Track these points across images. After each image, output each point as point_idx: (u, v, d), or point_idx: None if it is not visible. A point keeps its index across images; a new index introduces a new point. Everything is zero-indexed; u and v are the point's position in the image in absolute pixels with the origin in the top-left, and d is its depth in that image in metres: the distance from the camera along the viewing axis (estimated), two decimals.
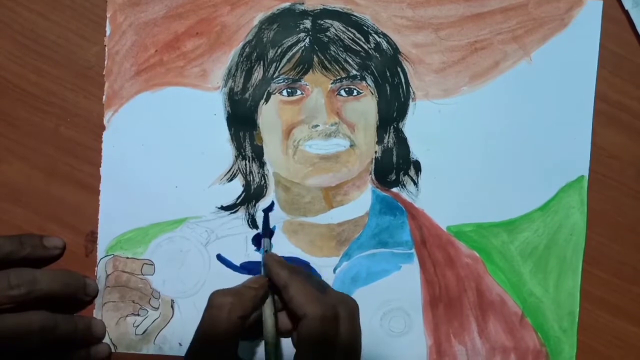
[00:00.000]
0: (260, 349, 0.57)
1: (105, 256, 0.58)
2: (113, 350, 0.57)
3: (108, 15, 0.58)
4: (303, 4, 0.57)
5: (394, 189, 0.58)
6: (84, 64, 0.59)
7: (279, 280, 0.50)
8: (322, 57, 0.57)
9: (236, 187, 0.58)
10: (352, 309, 0.49)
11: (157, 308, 0.58)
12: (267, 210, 0.58)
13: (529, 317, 0.57)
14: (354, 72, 0.57)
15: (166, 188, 0.58)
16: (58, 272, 0.54)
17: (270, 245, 0.57)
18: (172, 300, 0.58)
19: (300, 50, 0.57)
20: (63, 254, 0.56)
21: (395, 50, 0.57)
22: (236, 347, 0.47)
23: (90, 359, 0.56)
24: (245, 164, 0.58)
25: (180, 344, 0.58)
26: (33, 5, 0.58)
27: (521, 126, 0.57)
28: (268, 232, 0.58)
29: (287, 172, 0.58)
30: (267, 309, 0.50)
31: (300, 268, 0.52)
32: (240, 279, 0.57)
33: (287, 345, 0.53)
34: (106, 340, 0.57)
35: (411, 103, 0.57)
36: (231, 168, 0.58)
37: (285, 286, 0.49)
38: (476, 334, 0.57)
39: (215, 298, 0.48)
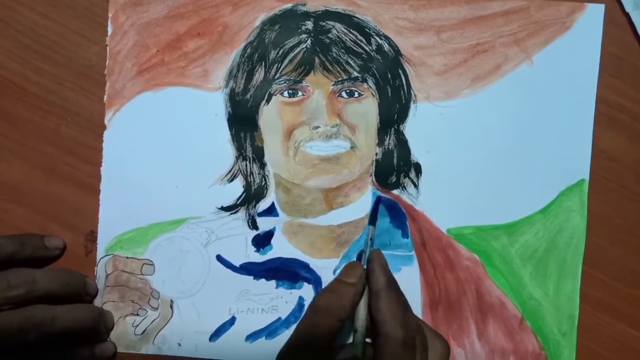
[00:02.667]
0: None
1: (105, 256, 0.58)
2: None
3: (110, 15, 0.58)
4: (305, 5, 0.57)
5: (395, 191, 0.58)
6: (84, 64, 0.58)
7: (375, 284, 0.51)
8: (324, 59, 0.57)
9: (236, 188, 0.58)
10: (424, 343, 0.50)
11: (157, 308, 0.58)
12: (379, 202, 0.58)
13: (529, 320, 0.57)
14: (356, 73, 0.57)
15: (166, 188, 0.58)
16: (58, 272, 0.54)
17: (374, 233, 0.56)
18: (172, 301, 0.58)
19: (302, 52, 0.57)
20: (63, 254, 0.56)
21: (397, 52, 0.57)
22: (333, 347, 0.50)
23: (96, 357, 0.56)
24: (246, 165, 0.58)
25: (179, 344, 0.58)
26: (34, 4, 0.58)
27: (522, 129, 0.57)
28: (374, 219, 0.57)
29: (287, 173, 0.58)
30: (363, 299, 0.52)
31: (394, 280, 0.53)
32: (240, 280, 0.58)
33: None
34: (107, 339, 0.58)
35: (412, 105, 0.57)
36: (232, 169, 0.58)
37: (378, 294, 0.50)
38: (475, 336, 0.57)
39: (318, 302, 0.50)
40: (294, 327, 0.58)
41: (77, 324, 0.53)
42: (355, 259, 0.57)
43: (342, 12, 0.57)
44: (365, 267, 0.53)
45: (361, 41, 0.57)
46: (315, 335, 0.49)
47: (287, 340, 0.51)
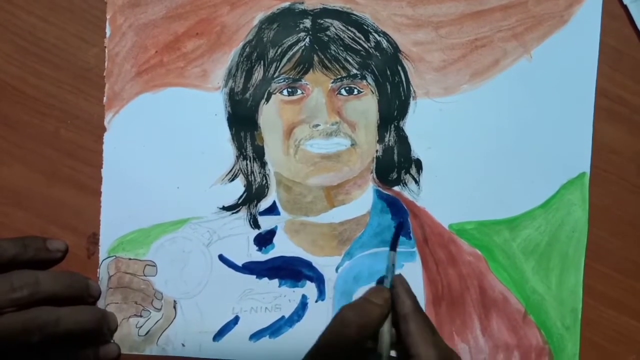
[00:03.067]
0: None
1: (108, 258, 0.58)
2: None
3: (108, 17, 0.58)
4: (303, 3, 0.57)
5: (396, 188, 0.58)
6: (83, 66, 0.58)
7: (402, 309, 0.51)
8: (323, 57, 0.57)
9: (237, 188, 0.58)
10: None
11: (160, 309, 0.58)
12: (400, 227, 0.58)
13: (532, 315, 0.57)
14: (355, 71, 0.57)
15: (167, 189, 0.58)
16: (60, 274, 0.54)
17: (396, 259, 0.57)
18: (175, 301, 0.58)
19: (301, 50, 0.57)
20: (65, 256, 0.56)
21: (396, 48, 0.57)
22: None
23: (100, 359, 0.56)
24: (247, 164, 0.58)
25: (183, 345, 0.58)
26: (32, 8, 0.58)
27: (522, 123, 0.57)
28: (395, 245, 0.57)
29: (288, 171, 0.58)
30: (386, 324, 0.52)
31: (419, 304, 0.53)
32: (243, 279, 0.58)
33: None
34: (110, 340, 0.57)
35: (412, 101, 0.57)
36: (232, 168, 0.58)
37: (406, 318, 0.51)
38: (479, 331, 0.57)
39: (345, 314, 0.50)
40: (297, 325, 0.58)
41: (80, 325, 0.53)
42: (357, 256, 0.58)
43: (340, 9, 0.57)
44: (389, 291, 0.54)
45: (360, 38, 0.57)
46: (341, 346, 0.49)
47: (310, 349, 0.51)
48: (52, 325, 0.51)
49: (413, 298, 0.53)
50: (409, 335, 0.50)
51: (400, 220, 0.58)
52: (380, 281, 0.57)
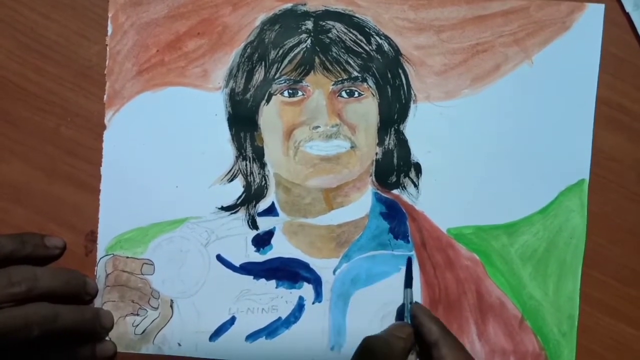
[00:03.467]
0: None
1: (105, 256, 0.58)
2: None
3: (110, 15, 0.58)
4: (305, 5, 0.57)
5: (395, 191, 0.58)
6: (84, 64, 0.58)
7: (430, 336, 0.51)
8: (324, 59, 0.57)
9: (237, 188, 0.58)
10: None
11: (157, 308, 0.58)
12: (410, 263, 0.57)
13: (529, 320, 0.57)
14: (356, 73, 0.57)
15: (166, 188, 0.58)
16: (58, 270, 0.54)
17: (412, 295, 0.56)
18: (172, 300, 0.58)
19: (302, 52, 0.57)
20: (63, 253, 0.56)
21: (397, 52, 0.57)
22: None
23: (96, 357, 0.56)
24: (246, 165, 0.58)
25: (179, 344, 0.58)
26: (34, 4, 0.58)
27: (522, 129, 0.57)
28: (410, 282, 0.57)
29: (287, 173, 0.58)
30: (411, 356, 0.52)
31: (444, 325, 0.53)
32: (240, 280, 0.58)
33: None
34: (107, 338, 0.57)
35: (412, 105, 0.57)
36: (232, 168, 0.58)
37: (437, 343, 0.51)
38: (475, 336, 0.57)
39: (369, 345, 0.50)
40: (294, 327, 0.58)
41: (78, 323, 0.53)
42: (355, 259, 0.58)
43: (342, 11, 0.57)
44: (412, 326, 0.54)
45: (361, 41, 0.57)
46: None
47: None
48: (51, 321, 0.51)
49: (438, 323, 0.53)
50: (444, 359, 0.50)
51: (410, 257, 0.57)
52: (400, 313, 0.57)
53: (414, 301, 0.56)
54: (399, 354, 0.51)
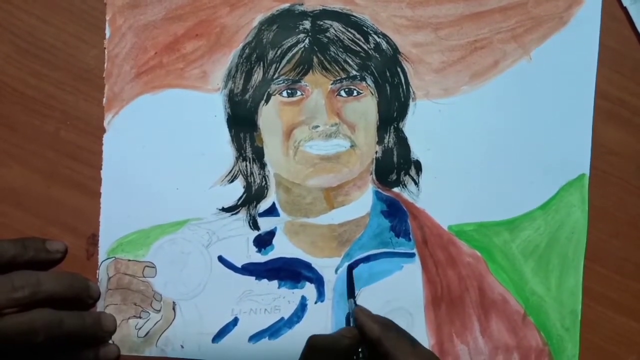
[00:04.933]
0: None
1: (107, 259, 0.58)
2: None
3: (107, 18, 0.58)
4: (302, 4, 0.57)
5: (395, 189, 0.58)
6: (83, 67, 0.58)
7: (372, 334, 0.52)
8: (322, 58, 0.57)
9: (237, 189, 0.58)
10: None
11: (159, 310, 0.58)
12: (351, 267, 0.58)
13: (532, 316, 0.57)
14: (354, 72, 0.57)
15: (167, 190, 0.58)
16: (61, 275, 0.54)
17: (355, 304, 0.57)
18: (174, 303, 0.58)
19: (300, 51, 0.57)
20: (65, 257, 0.56)
21: (395, 50, 0.57)
22: None
23: None
24: (246, 165, 0.58)
25: (182, 346, 0.58)
26: (31, 8, 0.58)
27: (521, 125, 0.57)
28: (352, 292, 0.57)
29: (288, 173, 0.58)
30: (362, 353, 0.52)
31: (390, 321, 0.54)
32: (242, 280, 0.58)
33: None
34: (110, 341, 0.57)
35: (411, 103, 0.58)
36: (232, 169, 0.58)
37: (379, 340, 0.51)
38: (478, 333, 0.57)
39: (314, 342, 0.51)
40: (296, 327, 0.58)
41: (81, 328, 0.53)
42: (356, 259, 0.58)
43: (340, 11, 0.57)
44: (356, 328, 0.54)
45: (359, 40, 0.57)
46: None
47: None
48: (56, 326, 0.51)
49: (379, 321, 0.53)
50: (387, 356, 0.50)
51: (350, 266, 0.58)
52: (348, 322, 0.57)
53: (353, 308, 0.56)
54: (344, 350, 0.51)
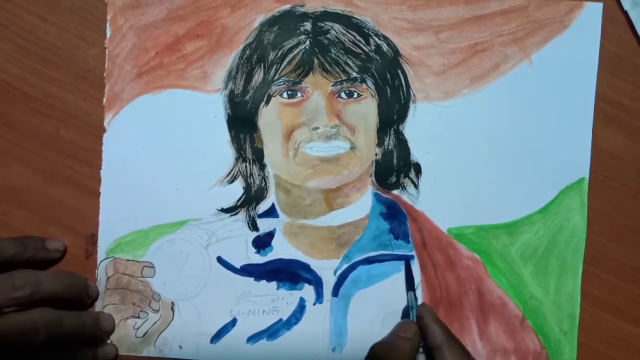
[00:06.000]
0: None
1: (106, 259, 0.58)
2: None
3: (108, 18, 0.58)
4: (303, 6, 0.57)
5: (395, 192, 0.58)
6: (83, 66, 0.58)
7: (434, 339, 0.52)
8: (323, 60, 0.57)
9: (237, 189, 0.58)
10: None
11: (158, 310, 0.58)
12: (409, 266, 0.57)
13: (530, 320, 0.57)
14: (355, 74, 0.57)
15: (167, 190, 0.58)
16: (61, 274, 0.54)
17: (415, 298, 0.56)
18: (173, 303, 0.58)
19: (301, 53, 0.57)
20: (64, 256, 0.56)
21: (396, 52, 0.57)
22: None
23: None
24: (246, 166, 0.58)
25: (180, 347, 0.58)
26: (32, 7, 0.58)
27: (522, 128, 0.57)
28: (412, 285, 0.57)
29: (287, 174, 0.58)
30: (421, 357, 0.52)
31: (448, 329, 0.53)
32: (241, 281, 0.58)
33: None
34: (108, 341, 0.57)
35: (411, 105, 0.58)
36: (231, 170, 0.58)
37: (440, 347, 0.51)
38: (477, 336, 0.57)
39: (377, 351, 0.51)
40: (295, 328, 0.58)
41: (80, 328, 0.53)
42: (355, 261, 0.58)
43: (341, 12, 0.57)
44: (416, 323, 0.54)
45: (360, 42, 0.57)
46: None
47: None
48: (56, 326, 0.51)
49: (443, 327, 0.53)
50: None
51: (408, 260, 0.58)
52: (406, 314, 0.57)
53: (419, 303, 0.56)
54: (407, 356, 0.51)
